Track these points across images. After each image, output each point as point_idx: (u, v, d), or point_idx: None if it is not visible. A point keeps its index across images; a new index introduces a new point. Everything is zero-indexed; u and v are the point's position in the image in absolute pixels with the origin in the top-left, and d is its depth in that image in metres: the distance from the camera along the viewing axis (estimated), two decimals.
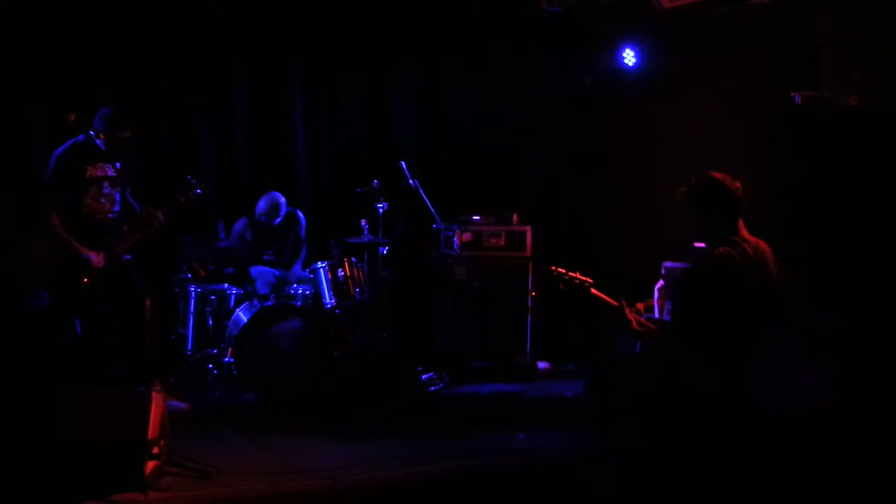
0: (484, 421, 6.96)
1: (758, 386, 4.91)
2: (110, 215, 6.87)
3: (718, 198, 5.22)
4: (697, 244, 6.04)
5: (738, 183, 5.26)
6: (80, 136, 6.73)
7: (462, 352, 8.54)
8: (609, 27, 9.72)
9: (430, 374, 8.14)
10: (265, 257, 8.50)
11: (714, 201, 5.23)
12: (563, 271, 5.71)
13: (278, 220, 8.47)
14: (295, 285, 8.23)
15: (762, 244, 5.20)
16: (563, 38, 9.57)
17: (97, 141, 6.71)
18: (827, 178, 6.38)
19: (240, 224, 8.48)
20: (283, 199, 8.47)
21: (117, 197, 6.91)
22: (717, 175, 5.28)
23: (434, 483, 5.53)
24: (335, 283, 8.15)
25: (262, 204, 8.42)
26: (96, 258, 6.63)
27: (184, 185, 7.05)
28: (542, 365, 8.75)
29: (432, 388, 8.04)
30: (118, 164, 6.86)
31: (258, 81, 9.24)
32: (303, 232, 8.71)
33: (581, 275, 5.71)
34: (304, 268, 8.52)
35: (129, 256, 6.86)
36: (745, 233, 5.21)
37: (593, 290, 5.62)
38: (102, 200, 6.81)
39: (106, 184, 6.81)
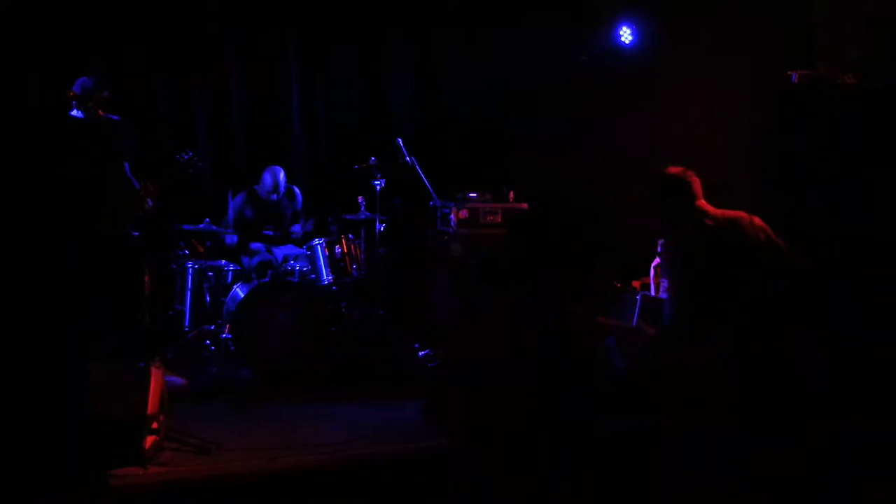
0: None
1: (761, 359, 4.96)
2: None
3: (672, 192, 5.33)
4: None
5: (691, 173, 5.35)
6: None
7: None
8: (606, 4, 9.71)
9: (426, 351, 8.17)
10: (265, 232, 8.52)
11: (669, 196, 5.35)
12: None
13: (278, 194, 8.51)
14: (292, 262, 8.25)
15: (739, 215, 5.26)
16: (559, 14, 9.56)
17: (82, 116, 6.75)
18: (823, 156, 6.40)
19: (238, 199, 8.50)
20: (283, 173, 8.52)
21: None
22: (670, 170, 5.39)
23: (431, 458, 5.55)
24: (332, 260, 8.18)
25: (267, 180, 8.46)
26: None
27: (179, 159, 7.11)
28: None
29: (429, 365, 8.07)
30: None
31: (252, 54, 9.25)
32: (300, 207, 8.76)
33: None
34: (302, 243, 8.52)
35: (136, 233, 6.90)
36: (710, 211, 5.28)
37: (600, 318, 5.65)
38: None
39: None
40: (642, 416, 5.88)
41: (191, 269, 8.01)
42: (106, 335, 6.67)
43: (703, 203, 5.31)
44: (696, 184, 5.32)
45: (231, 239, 8.33)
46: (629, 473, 5.23)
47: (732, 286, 5.08)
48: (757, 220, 5.25)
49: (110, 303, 6.83)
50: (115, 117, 6.93)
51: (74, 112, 6.80)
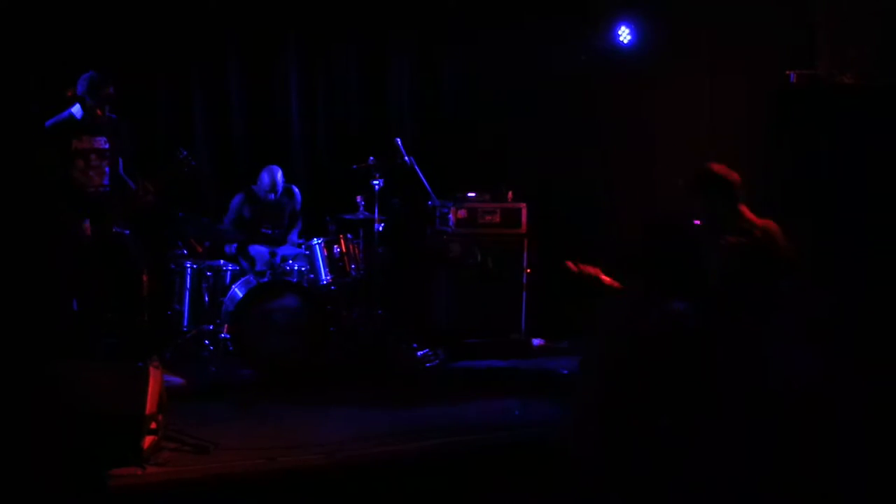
0: (478, 397, 6.99)
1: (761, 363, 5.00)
2: (101, 189, 6.89)
3: (715, 189, 5.34)
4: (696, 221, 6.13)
5: (734, 174, 5.37)
6: (64, 113, 6.78)
7: (457, 328, 8.57)
8: (605, 4, 9.71)
9: (425, 351, 8.17)
10: (263, 230, 8.50)
11: (711, 192, 5.36)
12: (579, 267, 5.80)
13: (276, 194, 8.48)
14: (290, 262, 8.23)
15: (769, 224, 5.30)
16: (558, 14, 9.55)
17: (82, 114, 6.75)
18: (822, 155, 6.41)
19: (237, 199, 8.49)
20: (280, 172, 8.50)
21: (106, 170, 6.93)
22: (714, 167, 5.40)
23: (429, 458, 5.56)
24: (331, 260, 8.17)
25: (264, 179, 8.44)
26: (85, 227, 6.67)
27: (175, 158, 7.11)
28: (536, 342, 8.79)
29: (427, 365, 8.07)
30: (105, 137, 6.89)
31: (252, 53, 9.23)
32: (298, 206, 8.72)
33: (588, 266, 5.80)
34: (300, 245, 8.50)
35: (127, 231, 6.90)
36: (749, 216, 5.31)
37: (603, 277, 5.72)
38: (91, 173, 6.84)
39: (93, 156, 6.84)
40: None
41: (189, 269, 8.00)
42: (88, 330, 6.69)
43: (744, 207, 5.34)
44: (739, 184, 5.34)
45: (229, 248, 8.36)
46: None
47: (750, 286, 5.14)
48: (780, 229, 5.31)
49: (97, 299, 6.85)
50: (113, 116, 6.93)
51: (75, 108, 6.80)
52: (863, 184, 6.25)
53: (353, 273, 8.27)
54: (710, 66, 8.75)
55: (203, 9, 8.80)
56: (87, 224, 6.71)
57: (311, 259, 8.20)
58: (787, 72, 6.91)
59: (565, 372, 7.72)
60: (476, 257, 8.61)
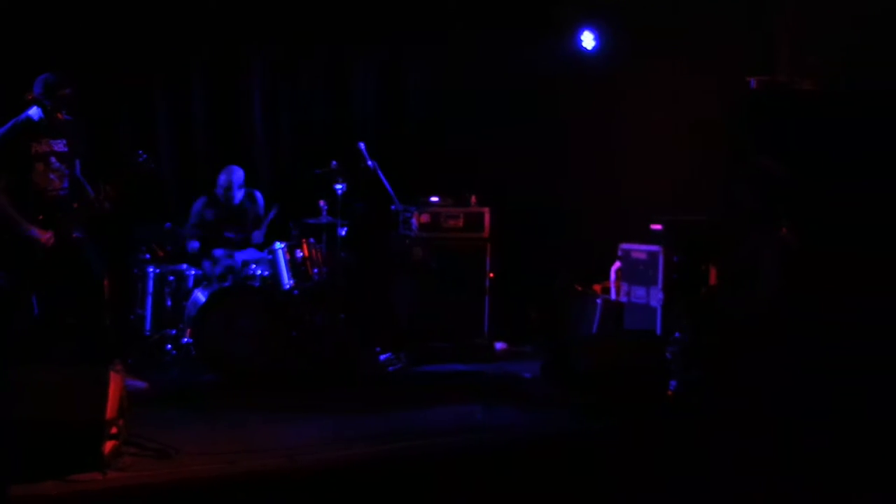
0: (441, 401, 7.00)
1: None
2: (61, 192, 6.82)
3: None
4: None
5: None
6: (22, 116, 6.71)
7: (420, 332, 8.58)
8: (569, 10, 9.76)
9: (388, 355, 8.18)
10: (227, 234, 8.45)
11: None
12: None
13: (238, 192, 8.41)
14: (253, 266, 8.19)
15: None
16: (522, 19, 9.59)
17: (40, 116, 6.69)
18: (782, 160, 6.49)
19: (199, 203, 8.43)
20: (240, 172, 8.44)
21: (66, 172, 6.87)
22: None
23: (392, 461, 5.57)
24: (293, 264, 8.16)
25: (221, 178, 8.38)
26: (44, 236, 6.60)
27: (133, 161, 7.05)
28: (499, 346, 8.82)
29: (390, 369, 8.07)
30: (64, 140, 6.83)
31: (216, 56, 9.18)
32: (262, 211, 8.67)
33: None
34: (263, 248, 8.45)
35: (81, 234, 6.84)
36: None
37: None
38: (51, 177, 6.77)
39: (53, 159, 6.77)
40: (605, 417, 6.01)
41: (151, 273, 7.96)
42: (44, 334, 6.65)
43: None
44: None
45: (192, 245, 8.29)
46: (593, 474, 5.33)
47: None
48: None
49: (58, 304, 6.81)
50: (69, 118, 6.87)
51: (33, 111, 6.73)
52: (821, 185, 6.33)
53: (316, 277, 8.26)
54: (673, 72, 8.82)
55: (167, 13, 8.74)
56: (46, 229, 6.65)
57: (274, 263, 8.17)
58: (748, 78, 6.98)
59: (528, 376, 7.76)
60: (438, 261, 8.65)
